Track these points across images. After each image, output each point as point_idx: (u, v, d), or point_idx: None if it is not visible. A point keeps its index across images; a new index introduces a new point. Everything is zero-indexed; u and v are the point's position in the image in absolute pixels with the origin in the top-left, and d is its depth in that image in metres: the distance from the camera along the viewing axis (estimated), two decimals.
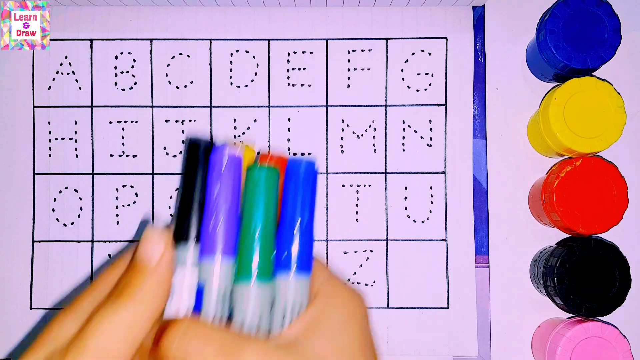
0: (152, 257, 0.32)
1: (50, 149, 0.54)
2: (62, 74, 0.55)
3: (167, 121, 0.54)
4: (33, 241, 0.54)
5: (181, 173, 0.40)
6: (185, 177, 0.34)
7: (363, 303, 0.36)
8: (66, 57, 0.55)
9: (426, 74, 0.54)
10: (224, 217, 0.33)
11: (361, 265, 0.54)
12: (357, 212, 0.54)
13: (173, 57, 0.55)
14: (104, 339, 0.31)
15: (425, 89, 0.54)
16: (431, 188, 0.54)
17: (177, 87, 0.55)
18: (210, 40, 0.55)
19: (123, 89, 0.55)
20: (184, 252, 0.33)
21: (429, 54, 0.55)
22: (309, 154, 0.54)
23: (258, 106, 0.54)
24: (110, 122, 0.55)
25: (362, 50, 0.55)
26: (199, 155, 0.34)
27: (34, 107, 0.55)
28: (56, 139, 0.55)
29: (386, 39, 0.55)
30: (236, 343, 0.31)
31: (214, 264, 0.33)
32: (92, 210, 0.54)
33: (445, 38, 0.54)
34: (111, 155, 0.54)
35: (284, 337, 0.33)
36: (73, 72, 0.55)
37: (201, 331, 0.32)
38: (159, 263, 0.32)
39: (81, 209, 0.54)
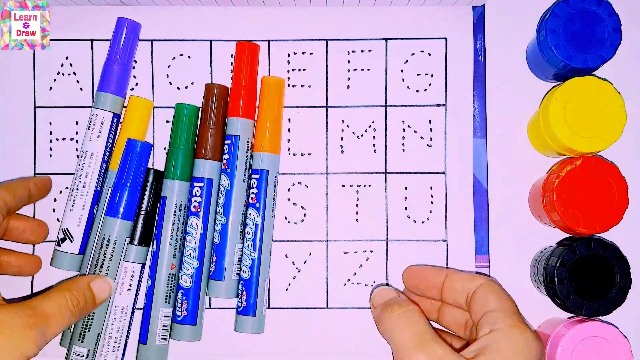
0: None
1: (51, 149, 0.55)
2: (63, 74, 0.55)
3: (167, 122, 0.55)
4: None
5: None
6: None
7: (539, 345, 0.41)
8: (67, 58, 0.55)
9: (426, 74, 0.54)
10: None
11: (361, 265, 0.53)
12: (357, 213, 0.54)
13: (174, 58, 0.55)
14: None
15: (425, 90, 0.54)
16: (431, 188, 0.54)
17: (178, 88, 0.55)
18: (211, 41, 0.55)
19: None
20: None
21: (429, 54, 0.54)
22: (309, 154, 0.54)
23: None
24: None
25: (362, 51, 0.55)
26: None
27: (35, 107, 0.55)
28: (57, 139, 0.55)
29: (386, 40, 0.55)
30: (428, 339, 0.40)
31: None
32: None
33: (445, 38, 0.54)
34: None
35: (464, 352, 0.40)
36: (74, 73, 0.55)
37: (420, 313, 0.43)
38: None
39: None
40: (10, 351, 0.39)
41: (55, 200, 0.54)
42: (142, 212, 0.51)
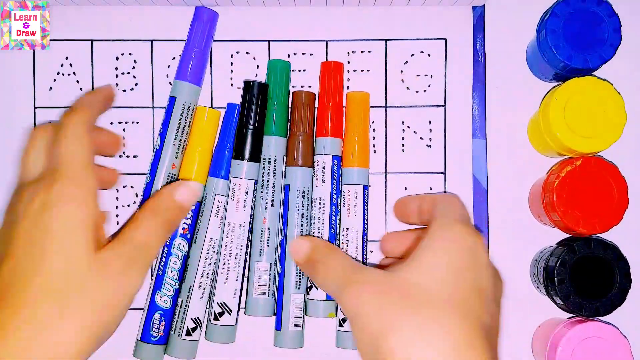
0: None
1: None
2: (63, 74, 0.55)
3: None
4: None
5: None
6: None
7: (470, 237, 0.41)
8: (67, 58, 0.55)
9: (425, 75, 0.54)
10: None
11: None
12: None
13: (174, 58, 0.55)
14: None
15: (425, 90, 0.54)
16: (431, 189, 0.54)
17: None
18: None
19: (124, 90, 0.55)
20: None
21: (429, 55, 0.54)
22: None
23: None
24: (112, 123, 0.55)
25: (362, 52, 0.55)
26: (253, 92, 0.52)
27: (35, 107, 0.55)
28: None
29: (386, 40, 0.55)
30: (353, 269, 0.41)
31: None
32: None
33: (445, 39, 0.54)
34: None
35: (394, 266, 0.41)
36: (74, 73, 0.55)
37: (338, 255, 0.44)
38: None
39: None
40: (120, 290, 0.40)
41: None
42: (250, 127, 0.51)
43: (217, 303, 0.51)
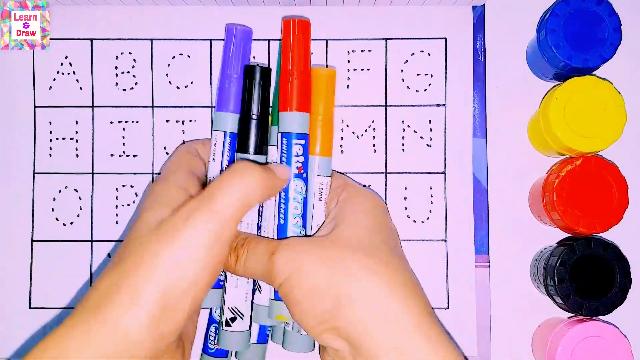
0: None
1: (51, 148, 0.55)
2: (62, 74, 0.55)
3: (167, 121, 0.55)
4: (32, 241, 0.54)
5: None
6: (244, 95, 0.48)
7: (379, 198, 0.48)
8: (66, 57, 0.55)
9: (425, 74, 0.54)
10: None
11: None
12: None
13: (173, 57, 0.55)
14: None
15: (425, 90, 0.54)
16: (431, 188, 0.54)
17: (178, 88, 0.55)
18: (211, 40, 0.55)
19: (124, 89, 0.55)
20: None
21: (429, 54, 0.54)
22: None
23: None
24: (111, 122, 0.55)
25: (362, 51, 0.55)
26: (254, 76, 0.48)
27: (35, 107, 0.55)
28: (57, 138, 0.55)
29: (386, 40, 0.55)
30: (276, 242, 0.43)
31: None
32: (92, 210, 0.54)
33: (445, 38, 0.54)
34: (111, 155, 0.55)
35: (319, 235, 0.45)
36: (74, 72, 0.55)
37: (255, 238, 0.45)
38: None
39: (81, 208, 0.54)
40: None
41: (54, 199, 0.54)
42: (254, 116, 0.47)
43: (229, 308, 0.47)
